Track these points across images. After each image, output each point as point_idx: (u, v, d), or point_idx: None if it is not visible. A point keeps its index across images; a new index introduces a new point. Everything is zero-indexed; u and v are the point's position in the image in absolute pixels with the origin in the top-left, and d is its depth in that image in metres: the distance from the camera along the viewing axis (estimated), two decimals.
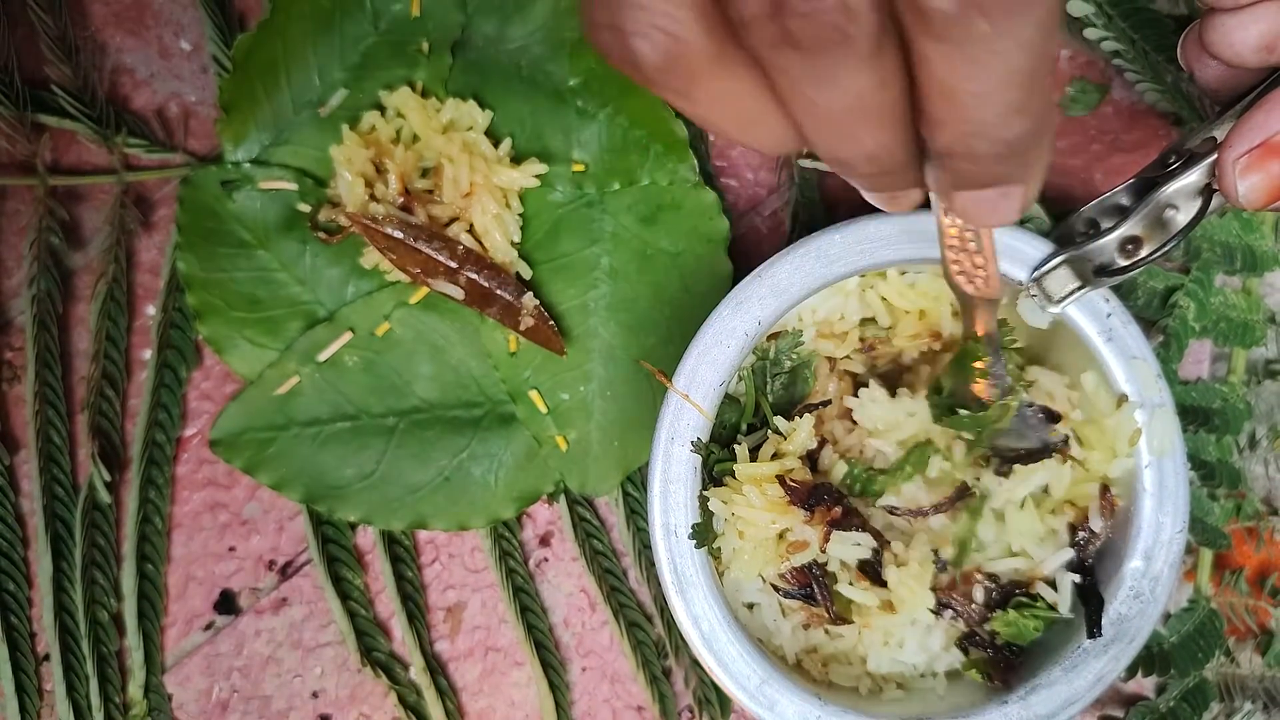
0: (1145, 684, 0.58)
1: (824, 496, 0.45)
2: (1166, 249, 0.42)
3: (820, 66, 0.23)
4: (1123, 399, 0.47)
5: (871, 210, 0.47)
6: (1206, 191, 0.42)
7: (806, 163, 0.53)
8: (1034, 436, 0.47)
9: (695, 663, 0.57)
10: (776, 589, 0.47)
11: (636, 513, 0.57)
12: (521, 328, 0.53)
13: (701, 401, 0.46)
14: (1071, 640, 0.47)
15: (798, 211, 0.57)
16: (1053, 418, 0.47)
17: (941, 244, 0.39)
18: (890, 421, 0.47)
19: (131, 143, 0.57)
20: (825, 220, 0.47)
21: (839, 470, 0.47)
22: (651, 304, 0.55)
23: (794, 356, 0.48)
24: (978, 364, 0.44)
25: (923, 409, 0.47)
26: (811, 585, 0.46)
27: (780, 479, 0.45)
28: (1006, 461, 0.47)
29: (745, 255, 0.57)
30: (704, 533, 0.46)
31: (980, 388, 0.45)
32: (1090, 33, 0.56)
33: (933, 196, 0.35)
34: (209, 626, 0.58)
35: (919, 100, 0.25)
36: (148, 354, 0.57)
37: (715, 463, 0.47)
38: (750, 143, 0.28)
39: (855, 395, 0.48)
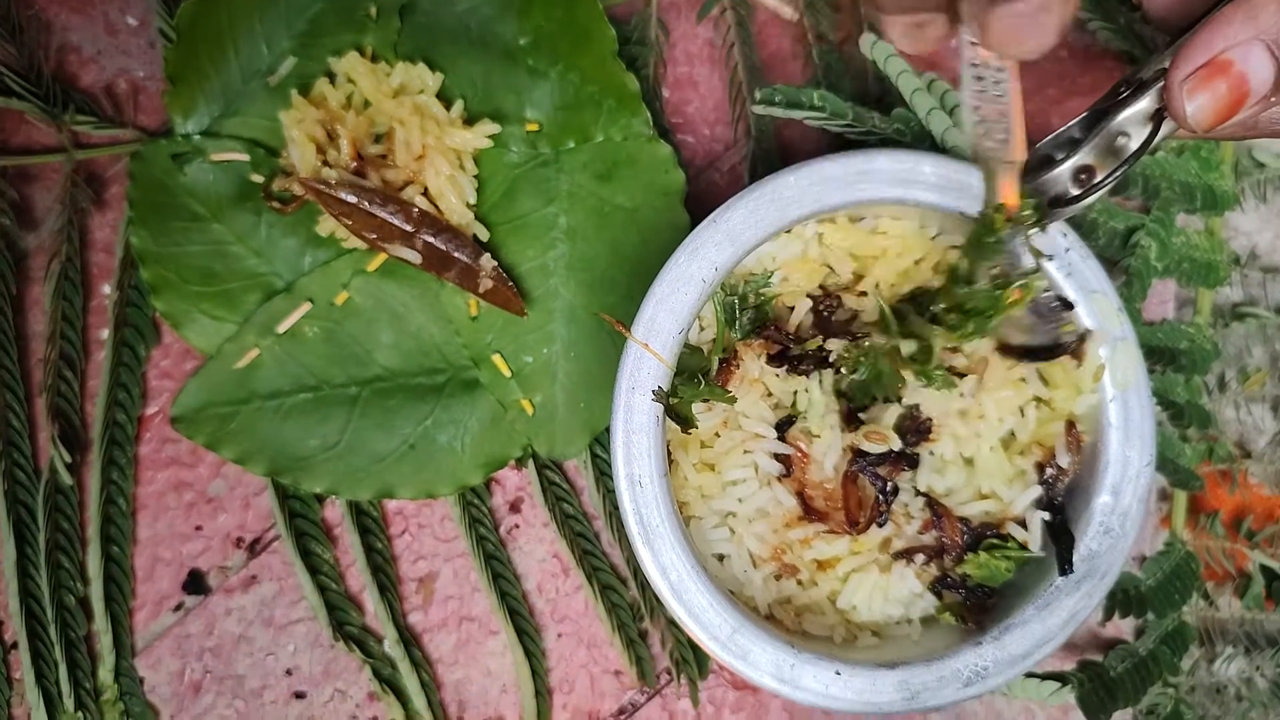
0: (1125, 629, 0.58)
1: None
2: (1119, 174, 0.42)
3: None
4: (1084, 334, 0.47)
5: (825, 153, 0.47)
6: (1157, 117, 0.41)
7: (760, 109, 0.53)
8: (1046, 330, 0.46)
9: (671, 623, 0.57)
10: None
11: (606, 475, 0.57)
12: (481, 290, 0.53)
13: (661, 350, 0.45)
14: (1044, 580, 0.47)
15: (755, 165, 0.57)
16: (1067, 306, 0.47)
17: (965, 94, 0.37)
18: None
19: (80, 120, 0.56)
20: None
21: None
22: (611, 261, 0.54)
23: (762, 295, 0.48)
24: (994, 239, 0.42)
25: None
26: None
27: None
28: (1014, 356, 0.46)
29: (705, 211, 0.56)
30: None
31: (998, 268, 0.43)
32: None
33: (962, 36, 0.34)
34: (178, 607, 0.57)
35: None
36: (105, 333, 0.57)
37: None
38: None
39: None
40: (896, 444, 0.47)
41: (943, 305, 0.45)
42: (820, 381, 0.47)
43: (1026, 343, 0.46)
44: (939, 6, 0.29)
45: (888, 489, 0.48)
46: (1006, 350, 0.47)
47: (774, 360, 0.48)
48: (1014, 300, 0.43)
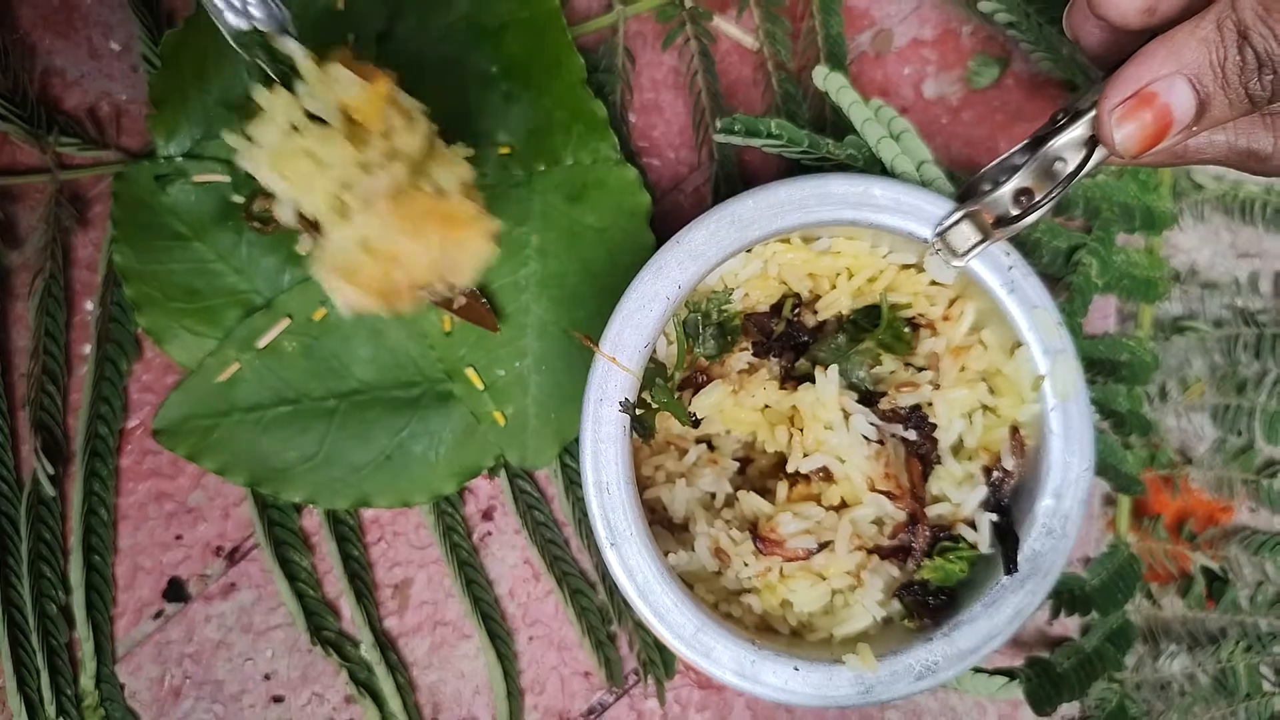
0: (1071, 627, 0.61)
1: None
2: (1055, 195, 0.45)
3: None
4: (1015, 346, 0.50)
5: (783, 177, 0.49)
6: (1091, 143, 0.44)
7: (720, 137, 0.55)
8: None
9: (639, 626, 0.59)
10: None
11: (575, 483, 0.59)
12: (455, 306, 0.55)
13: (628, 363, 0.48)
14: (991, 579, 0.50)
15: (718, 186, 0.59)
16: None
17: None
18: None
19: (64, 142, 0.58)
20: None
21: None
22: (581, 278, 0.57)
23: (723, 312, 0.50)
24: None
25: None
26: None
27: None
28: None
29: (670, 231, 0.59)
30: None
31: None
32: (985, 5, 0.59)
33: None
34: (159, 615, 0.59)
35: None
36: (88, 348, 0.58)
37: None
38: None
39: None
40: None
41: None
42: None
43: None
44: None
45: None
46: None
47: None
48: None
